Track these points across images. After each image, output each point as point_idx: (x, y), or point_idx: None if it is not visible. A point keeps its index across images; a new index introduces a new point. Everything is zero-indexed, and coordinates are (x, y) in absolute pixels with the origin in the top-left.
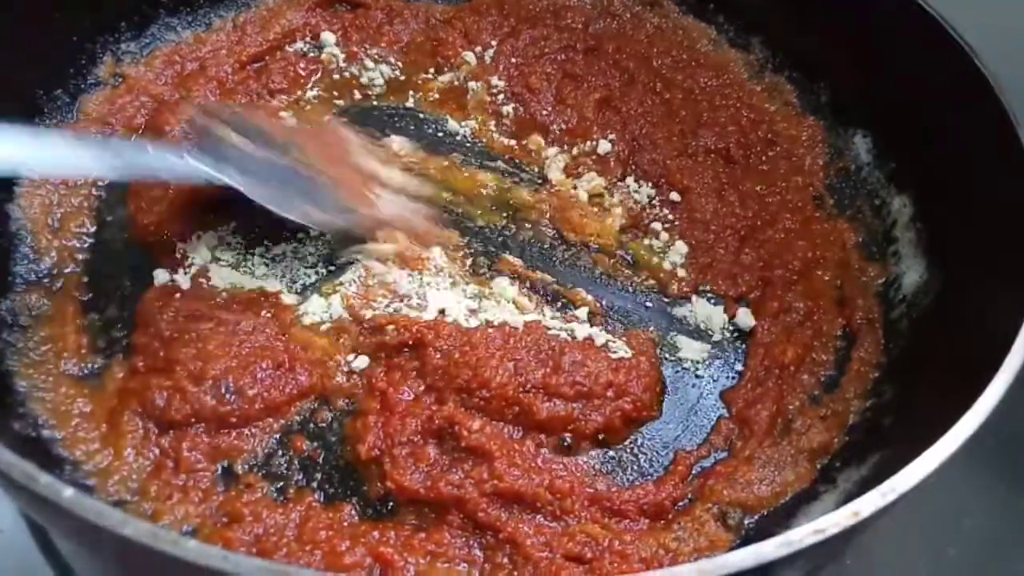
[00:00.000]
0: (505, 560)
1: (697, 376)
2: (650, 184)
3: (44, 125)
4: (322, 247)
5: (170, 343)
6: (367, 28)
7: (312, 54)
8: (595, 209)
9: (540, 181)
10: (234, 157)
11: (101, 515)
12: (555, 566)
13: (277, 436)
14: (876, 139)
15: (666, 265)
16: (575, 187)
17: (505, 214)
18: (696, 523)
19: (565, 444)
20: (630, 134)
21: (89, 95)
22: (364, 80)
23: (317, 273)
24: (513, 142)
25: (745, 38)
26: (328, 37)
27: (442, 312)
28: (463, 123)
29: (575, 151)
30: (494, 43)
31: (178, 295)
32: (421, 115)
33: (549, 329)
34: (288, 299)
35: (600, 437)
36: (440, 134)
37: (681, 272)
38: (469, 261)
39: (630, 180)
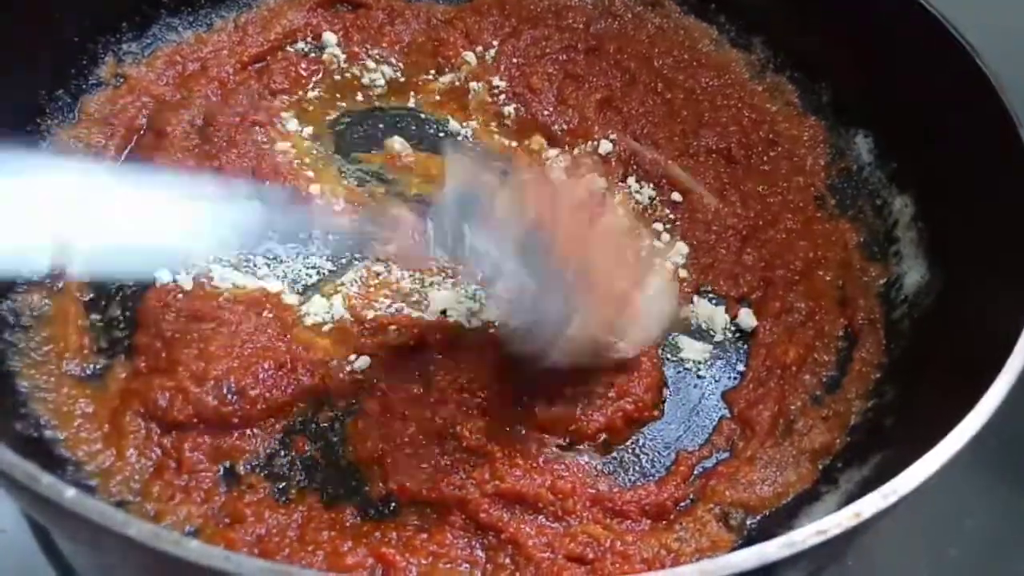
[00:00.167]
0: (507, 561)
1: (699, 376)
2: (651, 184)
3: (45, 125)
4: (324, 247)
5: (172, 343)
6: (368, 28)
7: (313, 54)
8: None
9: None
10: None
11: (103, 516)
12: (557, 566)
13: (279, 437)
14: (877, 139)
15: (667, 265)
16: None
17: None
18: (698, 524)
19: (566, 444)
20: (631, 134)
21: (90, 95)
22: (365, 81)
23: (319, 273)
24: (514, 142)
25: (746, 38)
26: (330, 37)
27: (444, 312)
28: (464, 124)
29: (576, 151)
30: (495, 43)
31: (180, 295)
32: (422, 116)
33: None
34: (290, 299)
35: (601, 437)
36: (442, 135)
37: (682, 272)
38: None
39: (631, 180)
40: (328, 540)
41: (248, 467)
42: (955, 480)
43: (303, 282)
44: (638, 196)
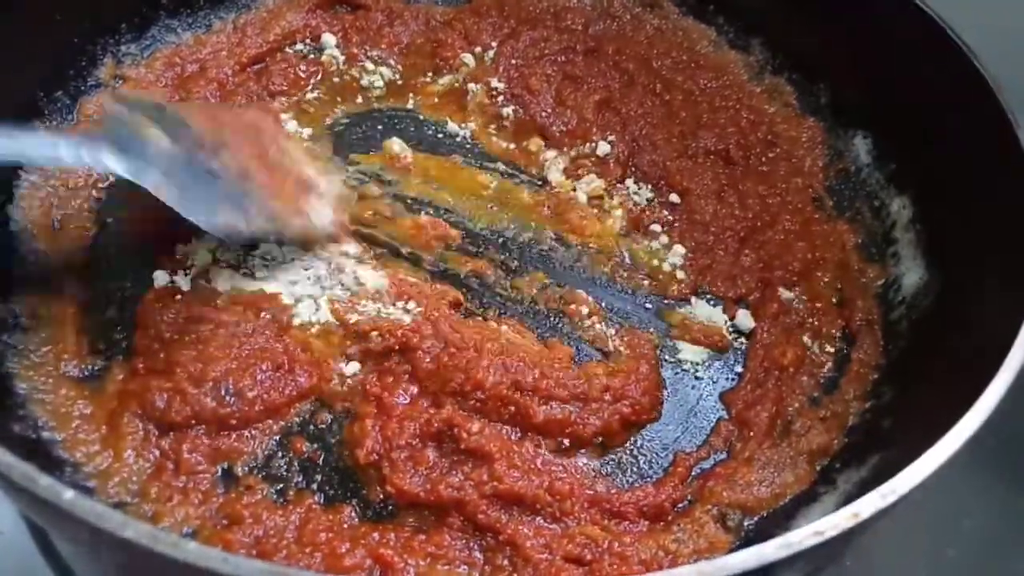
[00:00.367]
0: (505, 562)
1: (697, 378)
2: (650, 186)
3: (44, 127)
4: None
5: (170, 345)
6: (367, 30)
7: (312, 56)
8: (595, 211)
9: (540, 183)
10: (154, 156)
11: (101, 517)
12: (555, 568)
13: (277, 438)
14: (876, 140)
15: (666, 267)
16: (575, 189)
17: (505, 216)
18: (696, 525)
19: (564, 446)
20: (630, 135)
21: (89, 97)
22: (364, 82)
23: (314, 275)
24: (513, 144)
25: (745, 39)
26: (328, 39)
27: (425, 314)
28: (463, 125)
29: (575, 153)
30: (494, 45)
31: (178, 297)
32: (421, 117)
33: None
34: (288, 300)
35: (599, 439)
36: (440, 136)
37: (681, 274)
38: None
39: (630, 182)
40: (326, 541)
41: (246, 468)
42: (953, 480)
43: (301, 283)
44: (636, 197)
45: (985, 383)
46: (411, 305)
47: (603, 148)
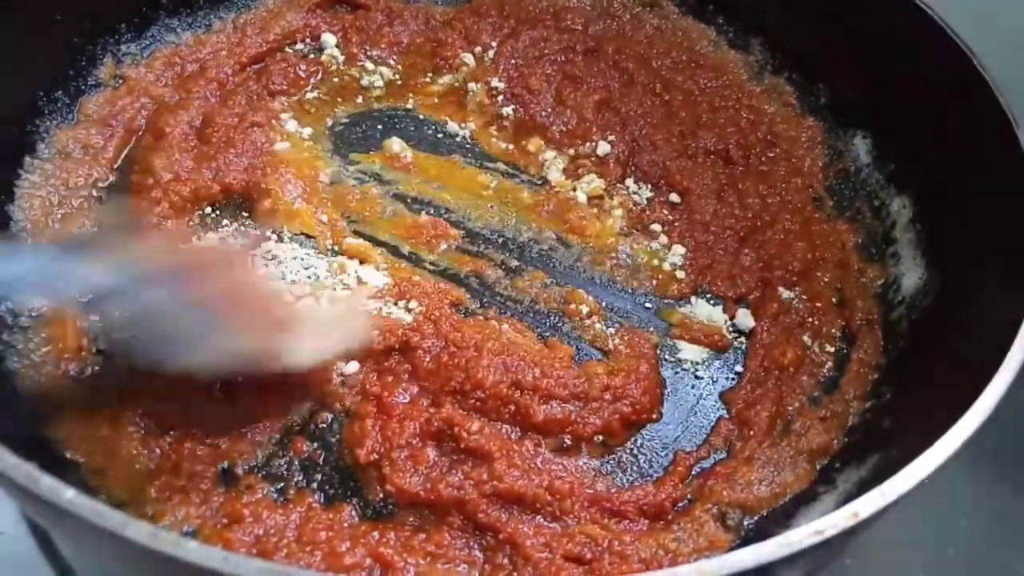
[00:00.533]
0: (505, 561)
1: (697, 377)
2: (649, 185)
3: (44, 126)
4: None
5: None
6: (367, 29)
7: (312, 56)
8: (595, 210)
9: (540, 183)
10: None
11: (102, 516)
12: (555, 567)
13: (277, 437)
14: (875, 140)
15: (666, 266)
16: (575, 188)
17: (505, 215)
18: (696, 524)
19: (564, 445)
20: (629, 135)
21: (89, 97)
22: (364, 82)
23: (315, 274)
24: (513, 144)
25: (745, 39)
26: (328, 38)
27: (425, 313)
28: (463, 125)
29: (574, 152)
30: (494, 44)
31: None
32: (421, 117)
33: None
34: (289, 299)
35: (599, 438)
36: (440, 136)
37: (680, 273)
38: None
39: (630, 181)
40: (326, 540)
41: (246, 468)
42: (953, 480)
43: (302, 282)
44: (636, 197)
45: (985, 383)
46: (412, 304)
47: (603, 148)
